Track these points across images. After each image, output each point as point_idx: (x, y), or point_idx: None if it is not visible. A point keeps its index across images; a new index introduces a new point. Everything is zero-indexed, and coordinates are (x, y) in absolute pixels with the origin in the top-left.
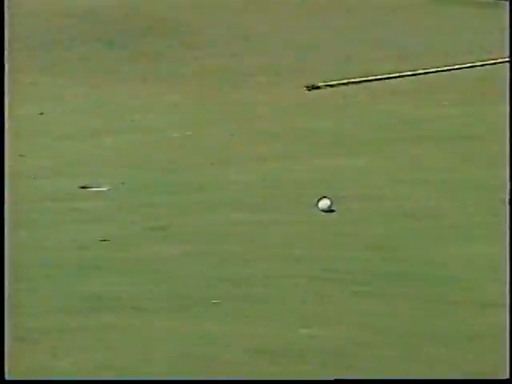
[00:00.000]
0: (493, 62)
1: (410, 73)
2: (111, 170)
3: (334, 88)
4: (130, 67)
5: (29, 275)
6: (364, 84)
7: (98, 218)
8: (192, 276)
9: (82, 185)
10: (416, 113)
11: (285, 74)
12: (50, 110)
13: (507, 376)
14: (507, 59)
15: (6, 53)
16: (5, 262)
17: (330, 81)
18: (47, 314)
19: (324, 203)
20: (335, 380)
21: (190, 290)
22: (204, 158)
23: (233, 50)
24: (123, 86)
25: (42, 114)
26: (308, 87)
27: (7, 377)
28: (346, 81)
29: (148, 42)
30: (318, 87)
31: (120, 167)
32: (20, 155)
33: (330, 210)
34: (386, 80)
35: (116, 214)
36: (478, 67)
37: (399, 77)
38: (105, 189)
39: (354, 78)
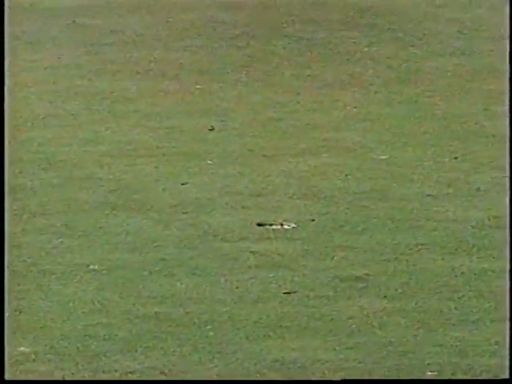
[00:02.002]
0: None
1: None
2: (297, 203)
3: None
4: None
5: (201, 334)
6: None
7: (281, 263)
8: (404, 341)
9: (260, 221)
10: None
11: None
12: (221, 126)
13: (507, 376)
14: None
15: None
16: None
17: None
18: None
19: None
20: (342, 380)
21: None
22: (417, 189)
23: None
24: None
25: (211, 129)
26: None
27: (7, 377)
28: None
29: None
30: None
31: (308, 199)
32: (182, 184)
33: None
34: None
35: (303, 260)
36: None
37: None
38: (289, 227)
39: None
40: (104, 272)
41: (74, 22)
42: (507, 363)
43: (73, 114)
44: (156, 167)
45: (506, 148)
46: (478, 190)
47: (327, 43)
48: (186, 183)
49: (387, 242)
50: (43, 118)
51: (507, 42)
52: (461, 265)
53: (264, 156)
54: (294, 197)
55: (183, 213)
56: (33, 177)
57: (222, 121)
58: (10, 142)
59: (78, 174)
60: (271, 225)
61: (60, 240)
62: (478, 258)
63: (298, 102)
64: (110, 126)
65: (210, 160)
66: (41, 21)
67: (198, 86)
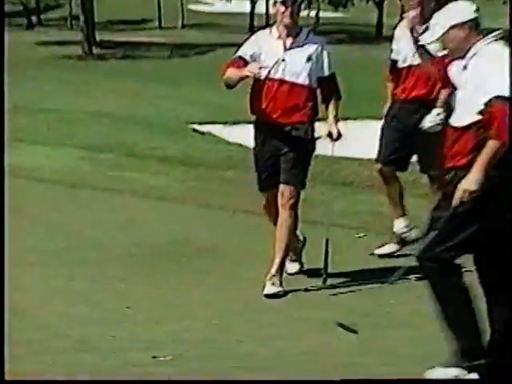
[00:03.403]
0: None
1: None
2: (173, 345)
3: None
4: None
5: None
6: None
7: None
8: None
9: (153, 355)
10: None
11: None
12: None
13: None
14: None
15: None
16: None
17: None
18: None
19: None
20: (341, 380)
21: None
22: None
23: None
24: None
25: (128, 307)
26: None
27: (7, 377)
28: None
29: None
30: None
31: (179, 343)
32: (111, 336)
33: None
34: None
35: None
36: None
37: None
38: (168, 358)
39: None
40: None
41: None
42: None
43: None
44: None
45: None
46: None
47: None
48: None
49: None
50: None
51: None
52: None
53: (157, 322)
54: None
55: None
56: None
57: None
58: None
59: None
60: (155, 357)
61: None
62: None
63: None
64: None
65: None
66: None
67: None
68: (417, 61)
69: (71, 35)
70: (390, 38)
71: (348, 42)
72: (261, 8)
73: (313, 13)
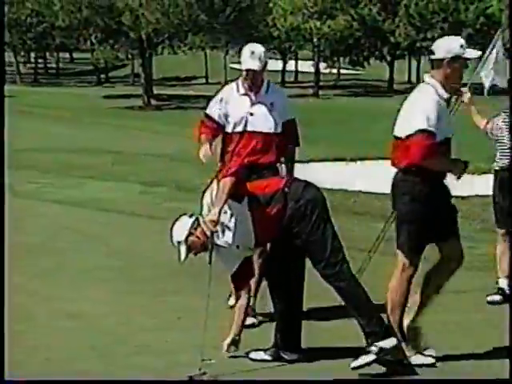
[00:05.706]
0: None
1: None
2: (217, 350)
3: None
4: None
5: None
6: None
7: None
8: None
9: (202, 358)
10: None
11: None
12: None
13: (507, 376)
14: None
15: None
16: None
17: None
18: None
19: None
20: (334, 380)
21: None
22: None
23: None
24: None
25: (179, 318)
26: None
27: (7, 377)
28: None
29: None
30: None
31: (222, 348)
32: (165, 341)
33: None
34: None
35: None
36: None
37: None
38: (213, 361)
39: None
40: None
41: None
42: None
43: None
44: None
45: None
46: None
47: None
48: None
49: None
50: None
51: None
52: None
53: (203, 329)
54: (212, 352)
55: None
56: None
57: (183, 314)
58: None
59: None
60: (204, 360)
61: None
62: None
63: None
64: None
65: None
66: None
67: None
68: (250, 127)
69: (133, 90)
70: (400, 91)
71: (363, 95)
72: (291, 66)
73: (334, 70)
